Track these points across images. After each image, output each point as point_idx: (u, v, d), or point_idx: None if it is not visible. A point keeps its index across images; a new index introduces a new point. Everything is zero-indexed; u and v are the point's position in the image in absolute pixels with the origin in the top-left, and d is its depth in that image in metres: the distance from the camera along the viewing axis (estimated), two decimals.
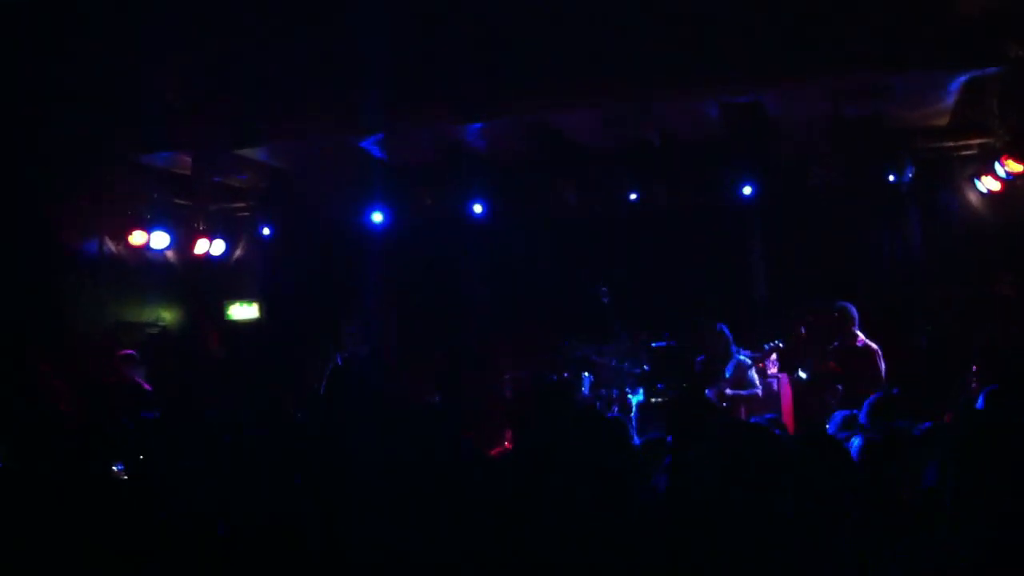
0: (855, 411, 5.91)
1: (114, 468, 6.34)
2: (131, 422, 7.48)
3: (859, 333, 9.24)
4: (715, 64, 8.71)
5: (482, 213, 11.44)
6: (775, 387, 10.31)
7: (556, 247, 12.01)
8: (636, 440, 6.52)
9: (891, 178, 10.15)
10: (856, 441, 4.81)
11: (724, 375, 9.67)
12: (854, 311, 9.27)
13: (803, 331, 10.01)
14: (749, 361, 9.78)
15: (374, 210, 11.84)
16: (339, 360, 10.55)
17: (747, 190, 10.55)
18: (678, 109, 9.67)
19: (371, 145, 10.96)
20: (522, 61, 8.96)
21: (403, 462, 4.54)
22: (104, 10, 9.74)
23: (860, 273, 10.43)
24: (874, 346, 9.17)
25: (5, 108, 9.63)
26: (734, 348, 9.86)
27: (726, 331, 9.88)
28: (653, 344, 10.97)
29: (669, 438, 6.23)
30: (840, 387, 9.29)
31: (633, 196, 11.06)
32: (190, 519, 4.64)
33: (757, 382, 9.76)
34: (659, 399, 10.39)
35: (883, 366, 9.08)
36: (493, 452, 9.65)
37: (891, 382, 8.87)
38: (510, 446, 9.60)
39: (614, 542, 3.88)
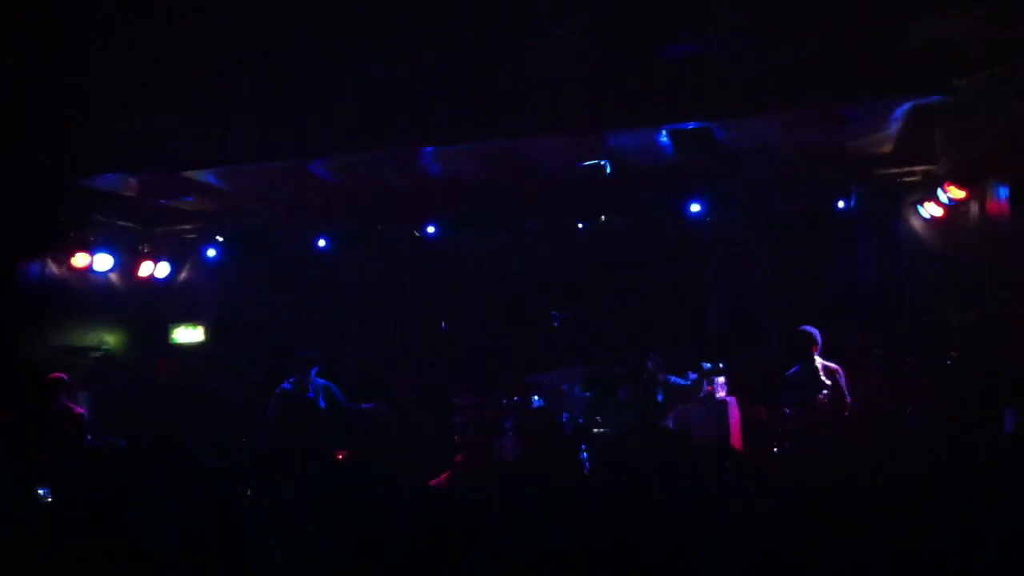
0: None
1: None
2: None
3: (818, 358, 9.40)
4: (668, 98, 8.82)
5: (435, 235, 11.47)
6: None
7: (509, 271, 12.00)
8: None
9: (840, 204, 10.34)
10: None
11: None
12: (817, 335, 9.42)
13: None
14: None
15: (322, 233, 11.86)
16: (287, 385, 10.43)
17: (695, 208, 10.66)
18: (634, 138, 9.73)
19: (321, 168, 10.83)
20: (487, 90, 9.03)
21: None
22: (51, 31, 9.59)
23: (816, 297, 10.54)
24: (834, 366, 9.38)
25: None
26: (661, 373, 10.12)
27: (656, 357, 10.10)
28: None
29: None
30: (788, 411, 9.45)
31: (587, 222, 11.14)
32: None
33: None
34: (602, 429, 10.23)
35: (845, 385, 9.32)
36: (442, 477, 9.67)
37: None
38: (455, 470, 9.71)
39: None
